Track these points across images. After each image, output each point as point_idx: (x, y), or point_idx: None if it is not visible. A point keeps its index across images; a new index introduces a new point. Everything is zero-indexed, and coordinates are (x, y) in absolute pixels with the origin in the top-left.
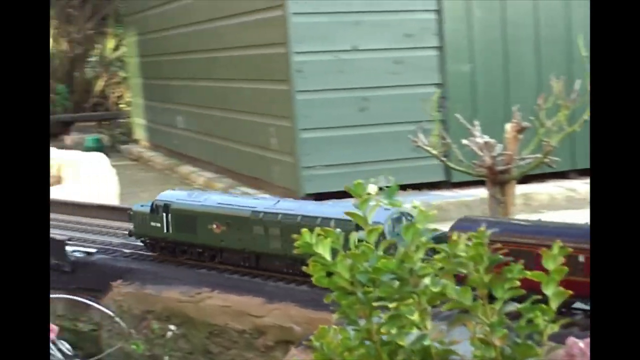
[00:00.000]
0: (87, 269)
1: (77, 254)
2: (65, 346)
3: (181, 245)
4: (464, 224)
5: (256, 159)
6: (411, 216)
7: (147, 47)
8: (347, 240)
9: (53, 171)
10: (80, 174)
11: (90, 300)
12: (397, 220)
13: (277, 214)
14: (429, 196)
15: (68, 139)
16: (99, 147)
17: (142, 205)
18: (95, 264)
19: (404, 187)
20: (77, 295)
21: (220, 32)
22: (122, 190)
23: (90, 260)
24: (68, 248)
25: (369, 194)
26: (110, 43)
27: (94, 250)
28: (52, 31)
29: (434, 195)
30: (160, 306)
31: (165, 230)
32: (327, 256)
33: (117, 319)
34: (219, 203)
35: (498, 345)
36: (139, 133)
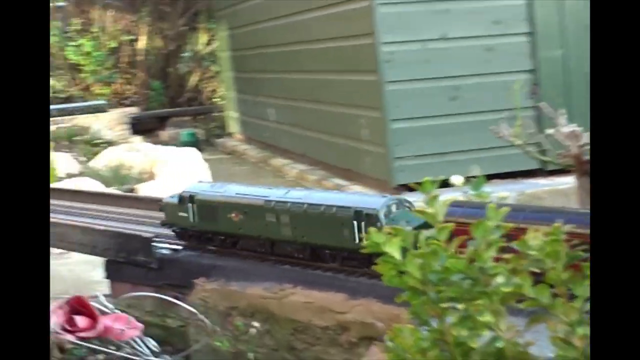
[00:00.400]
0: (173, 265)
1: (164, 251)
2: (152, 343)
3: (205, 233)
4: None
5: (347, 150)
6: (408, 202)
7: (237, 41)
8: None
9: (146, 167)
10: (173, 170)
11: (176, 296)
12: (393, 206)
13: (286, 202)
14: (524, 185)
15: (164, 134)
16: (193, 141)
17: (171, 197)
18: (181, 261)
19: (497, 176)
20: (164, 292)
21: (309, 25)
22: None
23: (176, 257)
24: (155, 245)
25: (436, 191)
26: (203, 38)
27: (179, 247)
28: (146, 28)
29: (528, 183)
30: (245, 303)
31: (191, 220)
32: (397, 255)
33: (201, 316)
34: (237, 193)
35: (579, 346)
36: (233, 126)
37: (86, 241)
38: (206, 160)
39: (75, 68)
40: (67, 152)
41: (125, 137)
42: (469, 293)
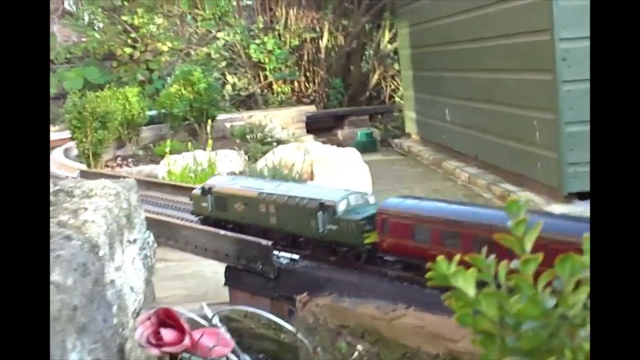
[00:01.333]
0: (290, 276)
1: (283, 260)
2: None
3: (219, 221)
4: (390, 202)
5: (519, 154)
6: (367, 195)
7: (417, 38)
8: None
9: (306, 167)
10: (332, 170)
11: (290, 310)
12: (352, 199)
13: (273, 194)
14: None
15: (340, 133)
16: (370, 141)
17: (198, 189)
18: (297, 272)
19: None
20: (279, 304)
21: (485, 21)
22: (383, 186)
23: (294, 267)
24: (274, 253)
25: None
26: (386, 36)
27: (297, 257)
28: (327, 25)
29: None
30: (355, 321)
31: (209, 209)
32: (470, 291)
33: (300, 336)
34: (242, 186)
35: None
36: (410, 126)
37: (209, 246)
38: (379, 161)
39: (258, 66)
40: (235, 150)
41: (298, 136)
42: (547, 345)
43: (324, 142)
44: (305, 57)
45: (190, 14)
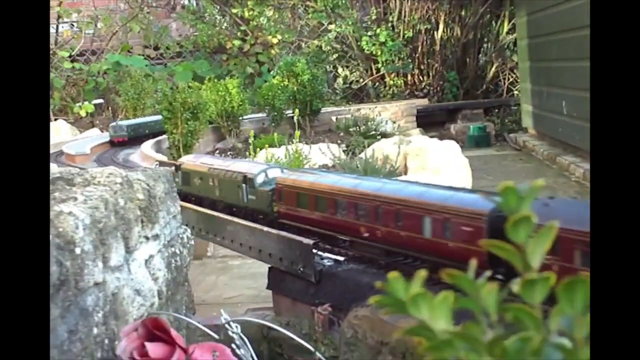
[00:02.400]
0: (331, 280)
1: (326, 262)
2: None
3: (185, 195)
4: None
5: None
6: (285, 168)
7: (534, 26)
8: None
9: (400, 161)
10: (426, 164)
11: (331, 320)
12: (270, 172)
13: (217, 169)
14: None
15: (453, 127)
16: (483, 136)
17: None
18: (339, 276)
19: None
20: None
21: None
22: (490, 182)
23: (336, 271)
24: (315, 254)
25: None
26: (505, 26)
27: (342, 259)
28: (442, 16)
29: None
30: (396, 338)
31: (180, 184)
32: (441, 326)
33: (319, 355)
34: (201, 162)
35: None
36: (527, 120)
37: (253, 243)
38: (490, 156)
39: (370, 58)
40: (338, 143)
41: (404, 130)
42: None
43: (434, 136)
44: (420, 49)
45: (301, 5)
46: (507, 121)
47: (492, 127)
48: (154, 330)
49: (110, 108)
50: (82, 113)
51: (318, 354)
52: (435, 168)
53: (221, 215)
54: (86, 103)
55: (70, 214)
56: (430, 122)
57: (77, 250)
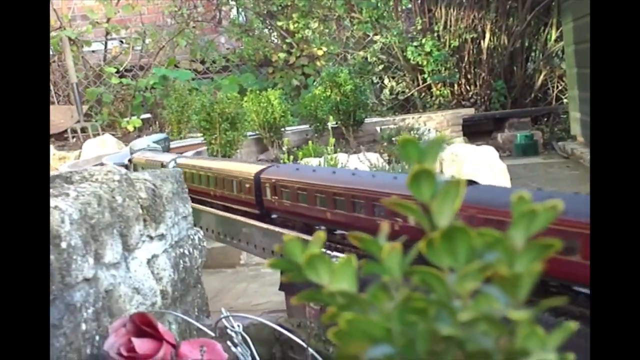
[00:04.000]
0: None
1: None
2: None
3: None
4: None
5: None
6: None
7: (580, 32)
8: None
9: (437, 165)
10: (462, 170)
11: None
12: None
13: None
14: None
15: (500, 136)
16: (530, 144)
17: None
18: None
19: None
20: None
21: None
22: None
23: None
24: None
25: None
26: (553, 34)
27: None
28: (489, 25)
29: None
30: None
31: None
32: (349, 286)
33: (310, 351)
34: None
35: None
36: (575, 128)
37: (266, 245)
38: (536, 164)
39: (416, 69)
40: (380, 152)
41: (449, 139)
42: None
43: (479, 145)
44: (466, 59)
45: (347, 17)
46: (556, 129)
47: (540, 135)
48: (141, 326)
49: (157, 122)
50: (130, 128)
51: (310, 350)
52: (471, 174)
53: (236, 217)
54: (134, 118)
55: (56, 208)
56: (477, 132)
57: (63, 245)
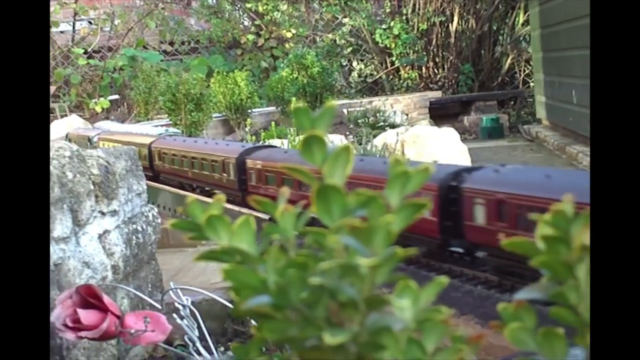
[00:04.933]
0: None
1: None
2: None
3: None
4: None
5: None
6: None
7: (545, 16)
8: None
9: (398, 147)
10: (423, 152)
11: None
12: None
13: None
14: None
15: (466, 119)
16: (496, 128)
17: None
18: None
19: None
20: None
21: None
22: None
23: None
24: None
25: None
26: (520, 18)
27: None
28: (457, 8)
29: None
30: None
31: None
32: (247, 245)
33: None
34: (97, 134)
35: None
36: (540, 111)
37: None
38: (501, 147)
39: (384, 52)
40: (346, 134)
41: (415, 121)
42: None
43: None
44: (434, 42)
45: None
46: (523, 113)
47: (506, 118)
48: (87, 297)
49: (125, 104)
50: (98, 109)
51: (253, 322)
52: (432, 155)
53: (190, 194)
54: (102, 99)
55: None
56: (444, 115)
57: None
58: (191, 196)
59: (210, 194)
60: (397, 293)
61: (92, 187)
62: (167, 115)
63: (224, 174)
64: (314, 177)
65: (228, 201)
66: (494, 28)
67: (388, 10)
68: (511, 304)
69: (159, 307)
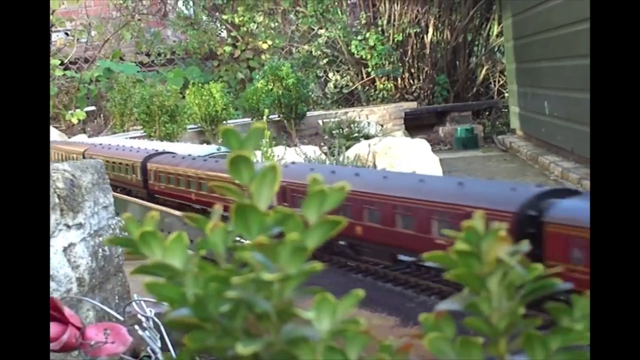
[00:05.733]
0: None
1: None
2: None
3: None
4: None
5: None
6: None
7: (518, 28)
8: None
9: (370, 158)
10: (395, 162)
11: None
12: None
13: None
14: None
15: (441, 130)
16: (470, 138)
17: None
18: None
19: None
20: None
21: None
22: None
23: None
24: None
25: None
26: (495, 29)
27: None
28: (432, 20)
29: None
30: None
31: None
32: (174, 263)
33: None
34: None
35: None
36: (514, 122)
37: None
38: (475, 157)
39: (360, 63)
40: (320, 145)
41: (389, 132)
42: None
43: (422, 139)
44: (409, 53)
45: (291, 11)
46: (498, 123)
47: (480, 129)
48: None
49: (102, 115)
50: (74, 120)
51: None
52: (404, 166)
53: (159, 207)
54: (78, 110)
55: None
56: (420, 125)
57: None
58: (127, 214)
59: (180, 206)
60: (315, 305)
61: (57, 200)
62: (141, 127)
63: (134, 175)
64: (241, 194)
65: (137, 197)
66: (469, 39)
67: (364, 21)
68: (432, 314)
69: (121, 318)
